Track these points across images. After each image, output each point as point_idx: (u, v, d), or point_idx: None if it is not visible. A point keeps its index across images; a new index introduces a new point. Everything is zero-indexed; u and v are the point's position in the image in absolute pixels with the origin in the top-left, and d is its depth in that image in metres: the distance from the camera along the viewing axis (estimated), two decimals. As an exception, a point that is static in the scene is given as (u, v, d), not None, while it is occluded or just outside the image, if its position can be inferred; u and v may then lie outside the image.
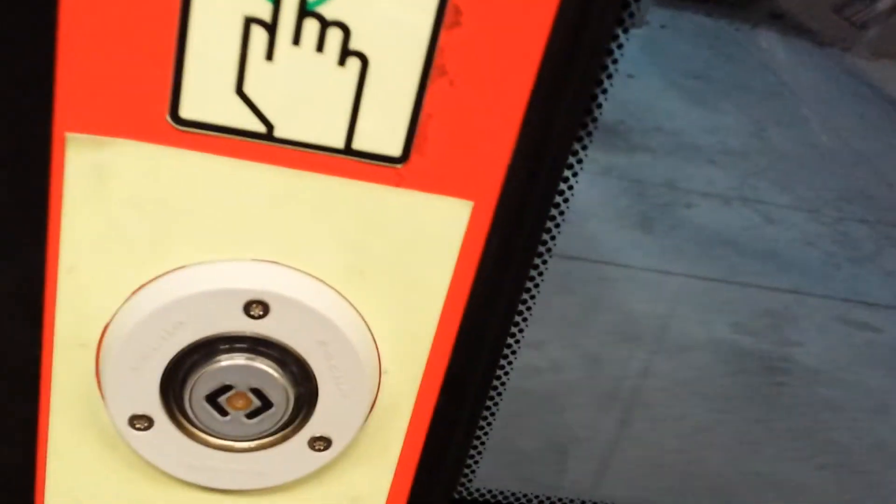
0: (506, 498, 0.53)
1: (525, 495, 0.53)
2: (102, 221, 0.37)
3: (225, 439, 0.42)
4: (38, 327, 0.39)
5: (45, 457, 0.43)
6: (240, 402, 0.40)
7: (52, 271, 0.38)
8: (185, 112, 0.35)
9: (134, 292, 0.39)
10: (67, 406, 0.41)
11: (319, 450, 0.43)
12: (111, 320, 0.39)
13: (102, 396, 0.41)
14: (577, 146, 0.39)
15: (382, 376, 0.42)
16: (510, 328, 0.43)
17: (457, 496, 0.49)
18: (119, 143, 0.36)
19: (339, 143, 0.36)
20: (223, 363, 0.39)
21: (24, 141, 0.35)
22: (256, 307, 0.39)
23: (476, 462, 0.50)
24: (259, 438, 0.42)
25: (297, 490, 0.45)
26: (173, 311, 0.38)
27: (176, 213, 0.37)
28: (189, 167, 0.36)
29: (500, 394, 0.47)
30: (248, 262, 0.39)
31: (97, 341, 0.40)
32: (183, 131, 0.36)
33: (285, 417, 0.41)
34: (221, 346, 0.39)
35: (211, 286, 0.38)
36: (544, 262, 0.43)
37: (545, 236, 0.42)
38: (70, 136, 0.35)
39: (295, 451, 0.42)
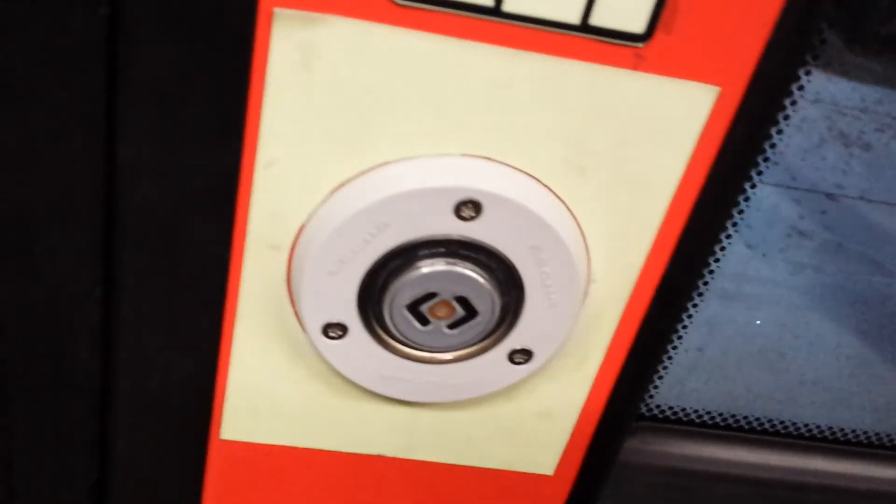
0: (686, 415, 0.50)
1: (708, 412, 0.50)
2: (306, 110, 0.33)
3: (422, 350, 0.39)
4: (229, 227, 0.36)
5: (228, 364, 0.40)
6: (442, 311, 0.37)
7: (249, 166, 0.35)
8: (407, -16, 0.31)
9: (334, 190, 0.36)
10: (254, 312, 0.39)
11: (519, 363, 0.40)
12: (308, 221, 0.36)
13: (293, 302, 0.38)
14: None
15: (591, 285, 0.38)
16: (728, 231, 0.39)
17: (644, 413, 0.46)
18: (330, 20, 0.32)
19: (575, 18, 0.32)
20: (428, 269, 0.36)
21: (226, 17, 0.32)
22: (468, 208, 0.35)
23: (661, 378, 0.47)
24: (458, 350, 0.39)
25: (484, 404, 0.42)
26: (378, 212, 0.35)
27: (384, 101, 0.34)
28: (403, 49, 0.32)
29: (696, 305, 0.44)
30: (458, 158, 0.35)
31: (291, 243, 0.37)
32: (402, 6, 0.31)
33: (488, 328, 0.38)
34: (427, 251, 0.36)
35: (420, 184, 0.35)
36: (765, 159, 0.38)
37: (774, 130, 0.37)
38: (278, 11, 0.31)
39: (493, 364, 0.39)
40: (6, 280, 0.37)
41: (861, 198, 3.15)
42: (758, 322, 2.25)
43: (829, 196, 3.09)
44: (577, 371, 0.42)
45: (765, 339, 2.20)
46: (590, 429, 0.43)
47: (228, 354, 0.40)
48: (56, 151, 0.34)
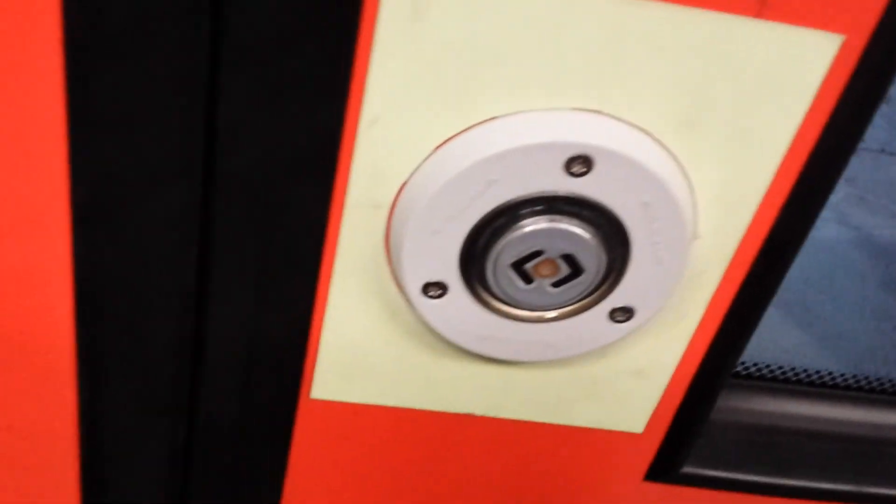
0: (771, 373, 0.49)
1: (792, 369, 0.49)
2: (415, 64, 0.32)
3: (522, 309, 0.38)
4: (329, 186, 0.36)
5: (321, 323, 0.40)
6: (547, 270, 0.37)
7: (352, 123, 0.34)
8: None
9: (438, 147, 0.35)
10: (351, 271, 0.38)
11: (619, 321, 0.39)
12: (410, 178, 0.35)
13: (391, 261, 0.38)
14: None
15: (695, 241, 0.38)
16: (835, 184, 0.38)
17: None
18: (447, -30, 0.31)
19: (701, -34, 0.31)
20: (535, 226, 0.35)
21: (337, -31, 0.31)
22: (579, 163, 0.34)
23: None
24: (559, 308, 0.38)
25: (577, 362, 0.42)
26: (485, 169, 0.34)
27: (494, 54, 0.32)
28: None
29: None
30: (569, 112, 0.34)
31: (392, 202, 0.36)
32: (521, -46, 0.30)
33: (592, 286, 0.37)
34: (534, 208, 0.35)
35: (530, 140, 0.34)
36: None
37: None
38: (392, -39, 0.30)
39: (594, 322, 0.39)
40: (103, 241, 0.37)
41: (882, 150, 3.12)
42: (783, 276, 2.24)
43: (850, 149, 3.06)
44: (674, 329, 0.41)
45: (791, 293, 2.20)
46: (682, 388, 0.43)
47: (323, 314, 0.40)
48: (156, 112, 0.33)
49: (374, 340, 0.41)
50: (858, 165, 2.98)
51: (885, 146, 3.11)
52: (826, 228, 2.55)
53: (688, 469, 0.45)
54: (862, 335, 2.14)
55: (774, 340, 2.03)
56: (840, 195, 2.76)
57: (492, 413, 0.44)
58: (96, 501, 0.46)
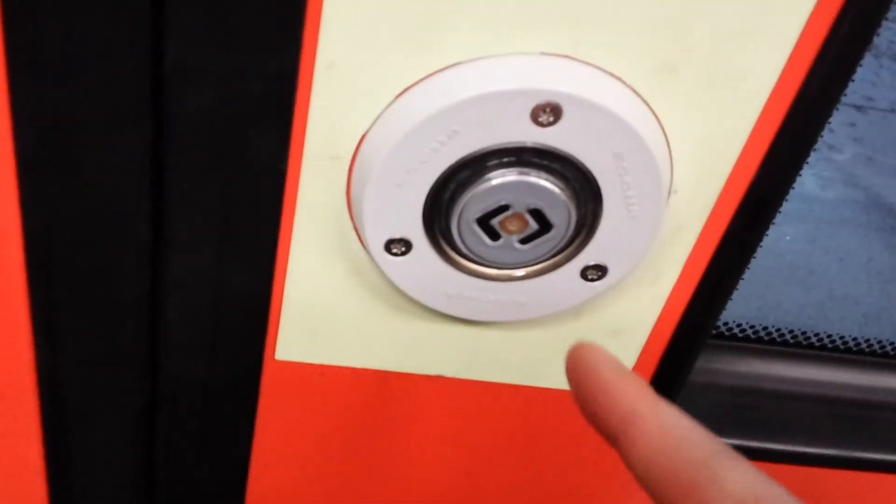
0: (755, 333, 0.48)
1: (777, 329, 0.48)
2: (370, 5, 0.30)
3: (490, 267, 0.37)
4: (286, 135, 0.34)
5: (283, 283, 0.39)
6: (514, 225, 0.35)
7: (307, 68, 0.32)
8: None
9: (399, 94, 0.33)
10: (312, 227, 0.37)
11: (592, 279, 0.37)
12: (371, 128, 0.34)
13: (353, 216, 0.36)
14: None
15: (672, 195, 0.36)
16: (820, 135, 0.36)
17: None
18: None
19: None
20: (500, 179, 0.34)
21: None
22: (547, 112, 0.32)
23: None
24: (528, 266, 0.37)
25: (552, 323, 0.41)
26: (448, 119, 0.32)
27: None
28: None
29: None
30: (536, 57, 0.32)
31: (352, 153, 0.34)
32: None
33: (562, 242, 0.36)
34: (500, 160, 0.33)
35: (494, 87, 0.32)
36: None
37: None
38: None
39: (565, 281, 0.37)
40: (51, 194, 0.35)
41: (891, 110, 3.07)
42: (787, 237, 2.22)
43: (859, 108, 3.01)
44: (650, 287, 0.39)
45: (795, 254, 2.18)
46: (660, 348, 0.41)
47: (284, 272, 0.38)
48: (100, 55, 0.31)
49: (339, 299, 0.39)
50: (867, 125, 2.93)
51: (895, 106, 3.07)
52: (833, 188, 2.52)
53: None
54: (867, 297, 2.12)
55: (777, 302, 2.01)
56: (848, 155, 2.72)
57: (461, 374, 0.42)
58: (59, 465, 0.45)
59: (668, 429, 0.28)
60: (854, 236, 2.35)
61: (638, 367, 0.42)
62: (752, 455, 0.46)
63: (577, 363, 0.31)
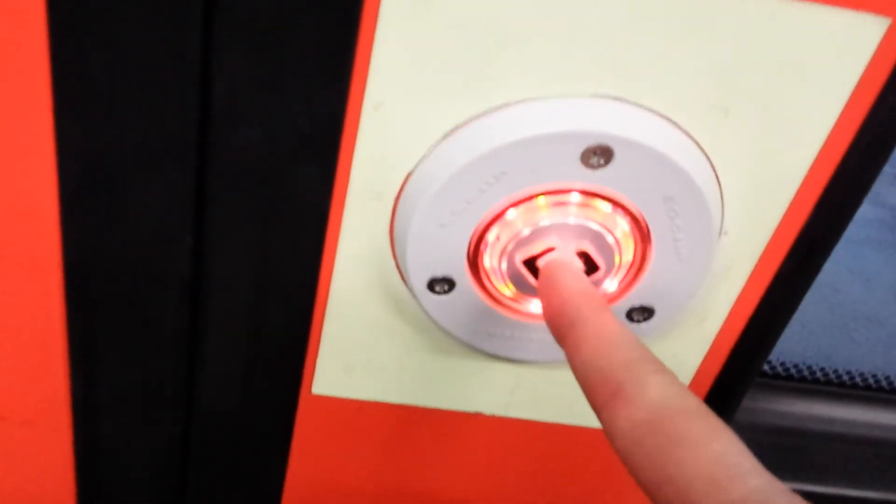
0: (798, 371, 0.47)
1: (821, 368, 0.47)
2: (422, 46, 0.30)
3: (534, 307, 0.36)
4: (331, 174, 0.34)
5: (322, 318, 0.38)
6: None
7: (355, 109, 0.32)
8: None
9: (447, 135, 0.32)
10: (353, 263, 0.36)
11: (637, 321, 0.37)
12: (415, 168, 0.33)
13: (395, 255, 0.36)
14: None
15: (722, 237, 0.35)
16: (874, 180, 0.35)
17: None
18: (455, -57, 0.28)
19: (736, -59, 0.28)
20: (548, 221, 0.33)
21: (337, -58, 0.28)
22: (597, 155, 0.32)
23: (775, 333, 0.44)
24: (574, 307, 0.36)
25: None
26: (496, 160, 0.32)
27: (507, 35, 0.30)
28: None
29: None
30: (587, 99, 0.32)
31: (396, 193, 0.34)
32: (537, -73, 0.28)
33: (609, 284, 0.35)
34: (548, 202, 0.33)
35: (544, 129, 0.31)
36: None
37: None
38: (396, -66, 0.28)
39: (610, 322, 0.37)
40: (93, 227, 0.35)
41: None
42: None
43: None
44: (697, 328, 0.39)
45: (819, 273, 2.15)
46: (704, 391, 0.40)
47: (324, 307, 0.38)
48: (147, 91, 0.31)
49: (378, 336, 0.39)
50: (894, 143, 2.91)
51: (922, 123, 3.03)
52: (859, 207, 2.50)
53: None
54: (892, 318, 2.09)
55: (801, 320, 1.99)
56: (874, 173, 2.69)
57: (500, 412, 0.42)
58: (91, 495, 0.44)
59: (605, 334, 0.29)
60: (880, 256, 2.32)
61: None
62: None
63: (547, 269, 0.33)
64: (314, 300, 0.37)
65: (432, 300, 0.36)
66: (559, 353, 0.38)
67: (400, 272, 0.36)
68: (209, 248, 0.36)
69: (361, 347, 0.39)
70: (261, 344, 0.39)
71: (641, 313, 0.36)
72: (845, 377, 0.47)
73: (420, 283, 0.35)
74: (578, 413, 0.42)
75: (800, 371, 0.47)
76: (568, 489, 0.45)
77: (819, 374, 0.47)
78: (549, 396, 0.41)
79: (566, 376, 0.40)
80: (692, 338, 0.39)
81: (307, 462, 0.43)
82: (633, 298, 0.36)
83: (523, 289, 0.35)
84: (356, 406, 0.41)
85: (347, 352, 0.39)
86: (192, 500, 0.45)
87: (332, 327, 0.38)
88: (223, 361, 0.40)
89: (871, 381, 0.48)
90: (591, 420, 0.42)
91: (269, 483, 0.44)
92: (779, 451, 0.45)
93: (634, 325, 0.37)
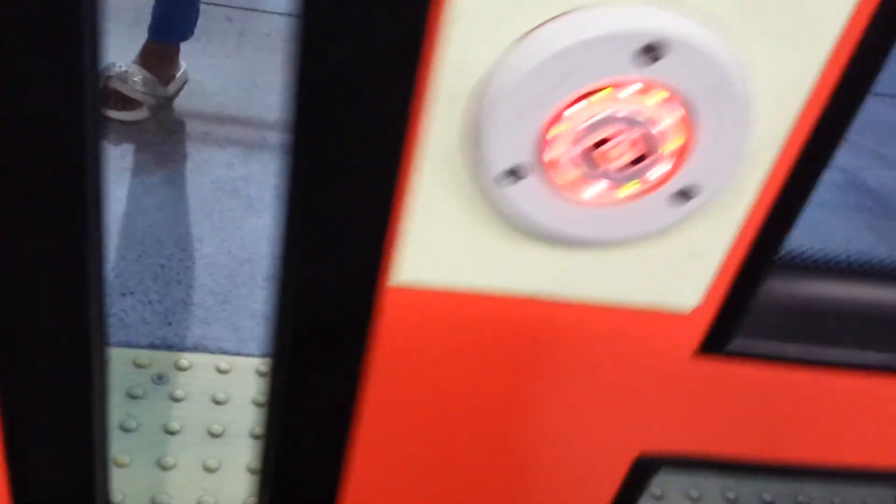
0: (803, 260, 0.53)
1: (841, 254, 0.53)
2: None
3: (594, 192, 0.42)
4: (413, 79, 0.38)
5: (400, 212, 0.43)
6: (617, 153, 0.40)
7: (435, 20, 0.37)
8: None
9: (518, 39, 0.38)
10: (432, 159, 0.41)
11: (683, 202, 0.42)
12: (492, 70, 0.38)
13: (474, 149, 0.41)
14: None
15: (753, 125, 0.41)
16: (880, 72, 0.41)
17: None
18: None
19: None
20: (607, 112, 0.39)
21: None
22: (649, 52, 0.37)
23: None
24: (629, 190, 0.41)
25: (638, 245, 0.45)
26: (564, 59, 0.37)
27: None
28: None
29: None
30: (639, 5, 0.37)
31: (474, 93, 0.39)
32: None
33: (660, 169, 0.41)
34: (606, 94, 0.38)
35: (605, 30, 0.37)
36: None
37: None
38: None
39: (658, 204, 0.42)
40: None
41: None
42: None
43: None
44: (729, 210, 0.44)
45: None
46: (734, 267, 0.46)
47: (403, 201, 0.43)
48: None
49: (456, 226, 0.44)
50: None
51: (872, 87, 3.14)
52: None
53: (738, 342, 0.49)
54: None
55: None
56: (825, 139, 2.79)
57: (558, 295, 0.47)
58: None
59: None
60: (834, 217, 2.41)
61: (713, 286, 0.47)
62: (814, 362, 0.51)
63: None
64: (394, 195, 0.42)
65: (505, 189, 0.41)
66: (616, 233, 0.43)
67: (473, 166, 0.41)
68: (297, 146, 0.40)
69: (443, 238, 0.44)
70: (343, 237, 0.43)
71: (687, 194, 0.42)
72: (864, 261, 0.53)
73: (495, 174, 0.40)
74: (625, 292, 0.47)
75: (815, 256, 0.53)
76: (618, 364, 0.51)
77: (839, 258, 0.53)
78: (601, 277, 0.46)
79: (617, 256, 0.46)
80: (725, 218, 0.44)
81: (386, 349, 0.48)
82: (682, 179, 0.41)
83: (589, 175, 0.40)
84: (431, 295, 0.46)
85: (430, 243, 0.44)
86: (274, 386, 0.49)
87: (410, 220, 0.43)
88: (308, 252, 0.44)
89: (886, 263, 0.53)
90: (635, 298, 0.48)
91: (350, 369, 0.48)
92: (799, 324, 0.51)
93: (680, 206, 0.42)
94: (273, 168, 1.67)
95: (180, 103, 1.71)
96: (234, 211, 1.57)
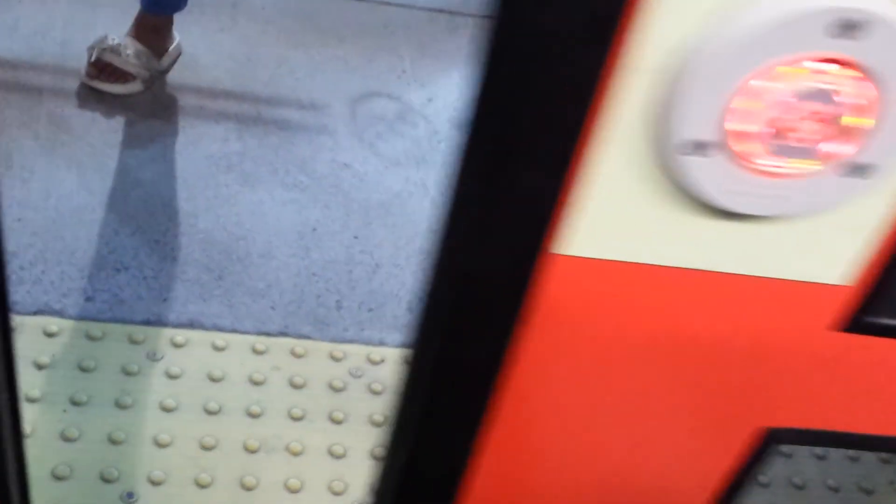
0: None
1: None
2: None
3: (775, 166, 0.41)
4: (605, 52, 0.38)
5: (576, 181, 0.42)
6: (801, 128, 0.40)
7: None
8: None
9: (713, 14, 0.37)
10: (614, 131, 0.41)
11: (859, 178, 0.42)
12: (686, 42, 0.38)
13: (660, 123, 0.40)
14: None
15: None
16: None
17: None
18: None
19: None
20: (794, 87, 0.39)
21: None
22: (845, 27, 0.37)
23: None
24: (809, 165, 0.41)
25: (806, 219, 0.45)
26: (759, 34, 0.37)
27: None
28: None
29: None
30: None
31: (665, 64, 0.39)
32: None
33: (843, 147, 0.41)
34: (795, 69, 0.38)
35: (796, 6, 0.37)
36: None
37: None
38: None
39: (834, 180, 0.42)
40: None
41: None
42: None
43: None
44: (892, 189, 0.44)
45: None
46: (892, 243, 0.46)
47: (574, 173, 0.42)
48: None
49: (635, 198, 0.43)
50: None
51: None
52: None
53: (883, 321, 0.49)
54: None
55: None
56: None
57: (720, 268, 0.47)
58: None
59: None
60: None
61: (871, 260, 0.47)
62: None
63: None
64: (571, 165, 0.41)
65: (690, 163, 0.41)
66: (788, 208, 0.44)
67: (657, 139, 0.41)
68: (478, 114, 0.39)
69: (621, 209, 0.44)
70: (514, 206, 0.42)
71: (864, 171, 0.42)
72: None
73: (680, 147, 0.40)
74: (786, 266, 0.47)
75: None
76: (773, 338, 0.51)
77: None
78: (765, 251, 0.46)
79: (780, 230, 0.46)
80: (886, 199, 0.44)
81: (546, 317, 0.47)
82: (861, 158, 0.42)
83: (772, 150, 0.40)
84: (597, 265, 0.46)
85: (608, 214, 0.44)
86: (419, 349, 0.48)
87: (585, 191, 0.43)
88: (476, 220, 0.43)
89: None
90: (795, 272, 0.48)
91: (503, 333, 0.47)
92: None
93: (857, 181, 0.42)
94: (268, 143, 1.64)
95: (174, 77, 1.68)
96: (230, 186, 1.55)
